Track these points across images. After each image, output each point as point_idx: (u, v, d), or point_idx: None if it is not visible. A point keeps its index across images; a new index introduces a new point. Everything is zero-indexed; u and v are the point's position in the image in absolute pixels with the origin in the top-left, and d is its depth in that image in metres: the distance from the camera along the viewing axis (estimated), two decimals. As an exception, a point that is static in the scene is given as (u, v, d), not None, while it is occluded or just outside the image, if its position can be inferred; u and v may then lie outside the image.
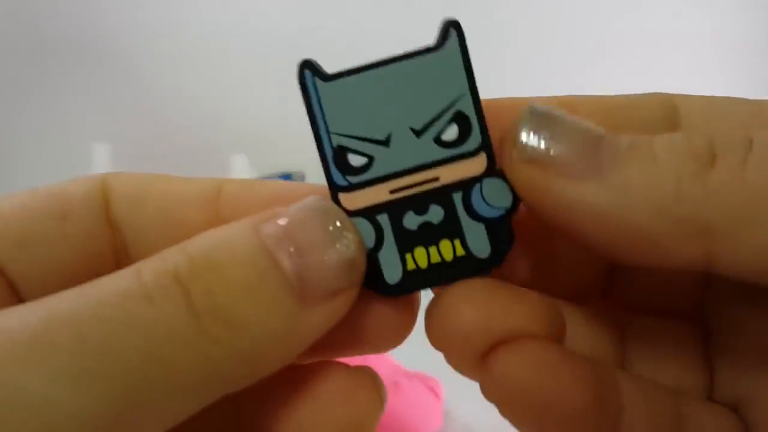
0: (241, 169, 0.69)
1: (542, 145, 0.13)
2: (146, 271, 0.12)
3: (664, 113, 0.16)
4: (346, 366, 0.15)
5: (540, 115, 0.14)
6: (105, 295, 0.11)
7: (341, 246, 0.13)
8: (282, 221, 0.13)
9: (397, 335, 0.15)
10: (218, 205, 0.15)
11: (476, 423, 0.39)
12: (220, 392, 0.12)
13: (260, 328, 0.12)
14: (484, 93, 0.15)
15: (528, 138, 0.13)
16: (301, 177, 0.67)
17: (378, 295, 0.15)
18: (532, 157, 0.13)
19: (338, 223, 0.13)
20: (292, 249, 0.12)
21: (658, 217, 0.12)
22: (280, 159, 0.73)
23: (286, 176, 0.67)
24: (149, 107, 0.83)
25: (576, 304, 0.17)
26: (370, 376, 0.15)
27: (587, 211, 0.13)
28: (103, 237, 0.15)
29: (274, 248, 0.12)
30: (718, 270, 0.12)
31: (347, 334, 0.15)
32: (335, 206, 0.14)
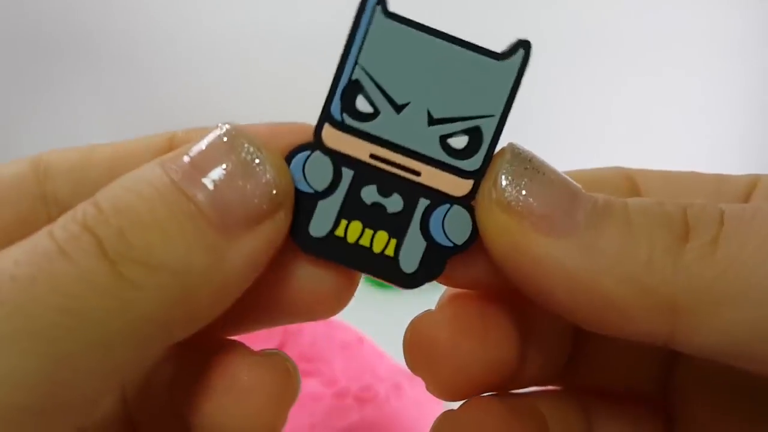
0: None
1: (521, 193, 0.13)
2: (57, 226, 0.11)
3: (626, 188, 0.16)
4: (254, 353, 0.14)
5: (522, 159, 0.13)
6: (19, 255, 0.11)
7: (258, 168, 0.12)
8: (189, 154, 0.12)
9: (335, 301, 0.14)
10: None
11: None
12: (156, 342, 0.12)
13: (181, 265, 0.11)
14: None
15: (508, 183, 0.13)
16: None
17: (312, 256, 0.14)
18: (509, 203, 0.13)
19: (251, 149, 0.12)
20: (203, 180, 0.12)
21: (627, 287, 0.12)
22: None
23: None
24: (149, 107, 0.83)
25: (543, 389, 0.17)
26: (281, 363, 0.14)
27: (556, 271, 0.12)
28: (38, 218, 0.14)
29: (182, 181, 0.12)
30: (679, 345, 0.12)
31: (280, 297, 0.14)
32: (246, 132, 0.13)
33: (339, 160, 0.13)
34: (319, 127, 0.13)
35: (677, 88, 0.85)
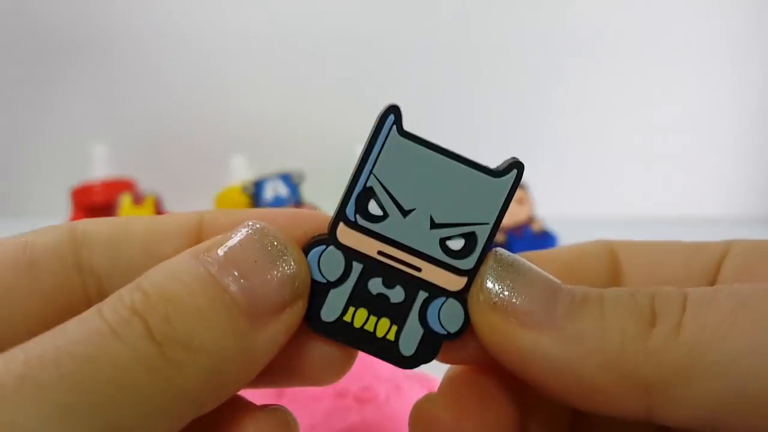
0: (240, 169, 0.69)
1: (505, 294, 0.15)
2: (106, 309, 0.12)
3: (608, 261, 0.18)
4: (260, 409, 0.16)
5: (505, 263, 0.15)
6: (76, 335, 0.12)
7: (282, 263, 0.14)
8: (222, 248, 0.14)
9: (337, 371, 0.17)
10: (200, 237, 0.16)
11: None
12: (190, 415, 0.13)
13: (216, 348, 0.13)
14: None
15: (493, 285, 0.15)
16: (301, 176, 0.67)
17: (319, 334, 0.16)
18: (496, 303, 0.14)
19: (276, 243, 0.14)
20: (235, 272, 0.13)
21: (605, 372, 0.13)
22: (280, 159, 0.73)
23: (286, 176, 0.67)
24: (149, 107, 0.83)
25: None
26: (283, 418, 0.16)
27: (542, 361, 0.14)
28: (73, 286, 0.15)
29: (218, 274, 0.13)
30: (658, 420, 0.13)
31: (291, 365, 0.16)
32: (271, 227, 0.15)
33: (350, 255, 0.15)
34: (334, 225, 0.15)
35: (678, 88, 0.85)
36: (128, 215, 0.16)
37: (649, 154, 0.84)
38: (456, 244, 0.15)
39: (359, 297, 0.15)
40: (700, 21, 0.83)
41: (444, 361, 0.16)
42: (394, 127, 0.15)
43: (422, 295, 0.15)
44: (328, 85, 0.81)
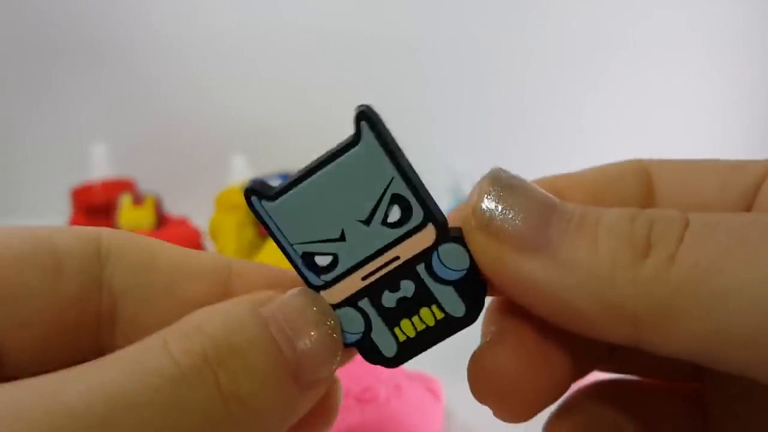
0: (240, 169, 0.69)
1: (498, 215, 0.14)
2: (174, 349, 0.12)
3: (640, 183, 0.17)
4: None
5: (500, 183, 0.14)
6: (152, 379, 0.12)
7: (328, 333, 0.15)
8: (279, 308, 0.14)
9: (323, 424, 0.17)
10: (228, 284, 0.16)
11: (476, 423, 0.38)
12: None
13: (269, 410, 0.13)
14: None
15: (486, 206, 0.14)
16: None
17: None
18: (488, 226, 0.14)
19: (324, 311, 0.15)
20: (290, 335, 0.14)
21: (592, 301, 0.13)
22: (280, 159, 0.73)
23: (286, 176, 0.66)
24: (149, 107, 0.83)
25: (603, 387, 0.18)
26: None
27: (533, 287, 0.14)
28: (91, 299, 0.15)
29: (276, 334, 0.14)
30: (646, 350, 0.13)
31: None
32: (319, 295, 0.15)
33: (352, 301, 0.16)
34: None
35: (678, 89, 0.85)
36: (157, 240, 0.16)
37: (650, 155, 0.84)
38: (395, 215, 0.15)
39: (390, 317, 0.16)
40: (701, 20, 0.83)
41: (492, 294, 0.16)
42: (263, 201, 0.15)
43: (421, 268, 0.16)
44: (329, 86, 0.81)
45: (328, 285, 0.16)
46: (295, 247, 0.15)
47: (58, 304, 0.14)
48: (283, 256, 0.16)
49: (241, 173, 0.68)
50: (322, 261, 0.15)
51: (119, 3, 0.81)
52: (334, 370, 0.15)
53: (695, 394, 0.18)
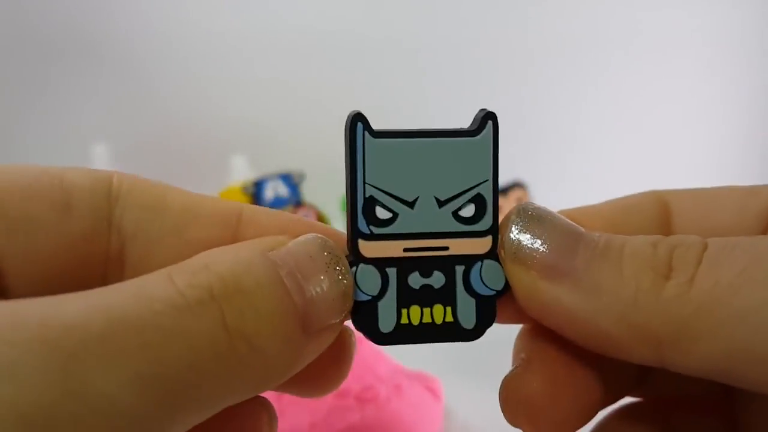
0: (240, 169, 0.69)
1: (526, 245, 0.15)
2: (180, 281, 0.12)
3: (658, 213, 0.17)
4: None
5: (528, 215, 0.15)
6: (156, 304, 0.12)
7: (338, 280, 0.14)
8: (290, 253, 0.14)
9: (333, 382, 0.17)
10: (237, 228, 0.16)
11: (476, 423, 0.38)
12: (231, 403, 0.13)
13: (273, 352, 0.13)
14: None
15: (515, 236, 0.15)
16: (301, 176, 0.67)
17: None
18: (518, 255, 0.15)
19: (335, 259, 0.15)
20: (300, 281, 0.14)
21: (618, 324, 0.14)
22: (280, 159, 0.73)
23: (286, 176, 0.67)
24: (149, 107, 0.83)
25: (630, 408, 0.19)
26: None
27: (561, 312, 0.14)
28: (101, 237, 0.15)
29: (286, 278, 0.14)
30: (670, 369, 0.14)
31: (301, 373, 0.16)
32: (334, 244, 0.15)
33: (381, 264, 0.16)
34: (354, 244, 0.16)
35: (680, 89, 0.85)
36: (167, 184, 0.16)
37: (651, 155, 0.84)
38: (468, 211, 0.16)
39: (406, 297, 0.16)
40: (702, 20, 0.83)
41: (500, 322, 0.17)
42: (366, 133, 0.15)
43: (459, 269, 0.16)
44: (329, 86, 0.81)
45: (371, 237, 0.15)
46: (366, 186, 0.15)
47: (66, 240, 0.14)
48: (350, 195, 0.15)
49: (241, 173, 0.68)
50: (382, 214, 0.15)
51: (119, 3, 0.81)
52: (343, 320, 0.15)
53: (727, 411, 0.18)
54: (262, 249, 0.14)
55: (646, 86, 0.84)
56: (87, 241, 0.15)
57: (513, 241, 0.15)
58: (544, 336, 0.16)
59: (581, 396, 0.16)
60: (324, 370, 0.17)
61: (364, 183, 0.15)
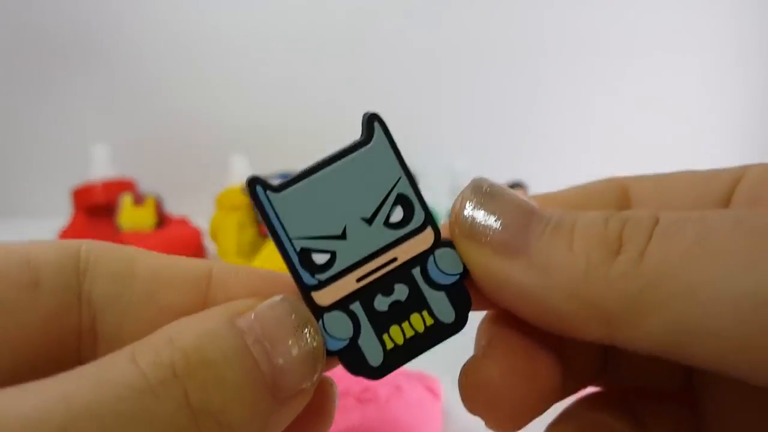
0: (240, 169, 0.69)
1: (480, 222, 0.15)
2: (142, 362, 0.12)
3: (617, 199, 0.17)
4: None
5: (482, 191, 0.15)
6: (117, 389, 0.12)
7: (307, 344, 0.14)
8: (257, 319, 0.14)
9: (319, 430, 0.17)
10: (207, 291, 0.16)
11: (476, 423, 0.38)
12: None
13: (243, 425, 0.13)
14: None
15: (469, 213, 0.15)
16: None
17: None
18: (471, 232, 0.15)
19: (304, 321, 0.14)
20: (268, 348, 0.13)
21: (568, 299, 0.13)
22: (280, 159, 0.73)
23: (286, 176, 0.67)
24: (149, 107, 0.83)
25: (593, 397, 0.18)
26: None
27: (514, 289, 0.14)
28: (72, 312, 0.15)
29: (253, 346, 0.13)
30: (620, 347, 0.13)
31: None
32: (301, 304, 0.15)
33: (343, 305, 0.15)
34: (308, 299, 0.15)
35: (679, 88, 0.85)
36: (136, 249, 0.15)
37: (651, 154, 0.84)
38: (397, 215, 0.15)
39: (381, 323, 0.16)
40: (703, 19, 0.83)
41: (478, 309, 0.16)
42: (267, 192, 0.15)
43: (416, 272, 0.16)
44: (329, 86, 0.81)
45: (321, 285, 0.15)
46: (294, 242, 0.15)
47: (37, 319, 0.14)
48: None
49: (241, 173, 0.68)
50: (320, 258, 0.15)
51: (120, 4, 0.81)
52: (316, 381, 0.14)
53: (690, 399, 0.18)
54: (228, 316, 0.13)
55: (647, 86, 0.84)
56: (58, 318, 0.14)
57: (467, 218, 0.15)
58: (505, 322, 0.16)
59: (540, 382, 0.15)
60: (306, 424, 0.16)
61: (290, 239, 0.15)
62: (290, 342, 0.14)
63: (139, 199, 0.66)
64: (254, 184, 0.15)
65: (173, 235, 0.64)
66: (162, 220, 0.66)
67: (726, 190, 0.16)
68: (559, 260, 0.13)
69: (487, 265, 0.14)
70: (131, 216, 0.64)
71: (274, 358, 0.13)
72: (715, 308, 0.12)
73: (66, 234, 0.65)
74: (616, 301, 0.13)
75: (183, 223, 0.67)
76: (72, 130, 0.82)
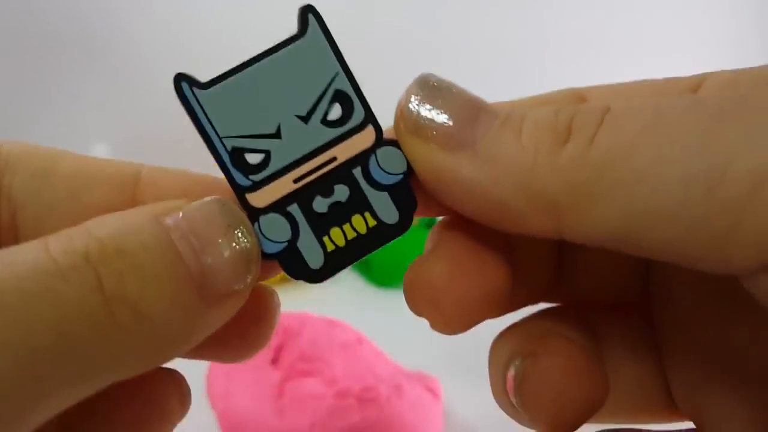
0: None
1: (426, 116, 0.14)
2: (54, 248, 0.12)
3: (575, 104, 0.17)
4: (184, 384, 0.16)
5: (429, 85, 0.14)
6: (23, 269, 0.11)
7: (239, 244, 0.13)
8: (185, 217, 0.13)
9: (254, 345, 0.16)
10: (136, 191, 0.15)
11: (476, 423, 0.39)
12: (120, 376, 0.12)
13: (163, 319, 0.12)
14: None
15: (415, 108, 0.14)
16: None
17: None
18: (417, 127, 0.14)
19: (236, 222, 0.14)
20: (195, 245, 0.13)
21: (516, 190, 0.13)
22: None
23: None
24: (150, 107, 0.83)
25: (553, 311, 0.18)
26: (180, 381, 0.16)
27: (460, 183, 0.13)
28: None
29: (179, 242, 0.13)
30: (569, 238, 0.13)
31: (215, 337, 0.15)
32: (234, 205, 0.14)
33: (280, 206, 0.15)
34: (243, 201, 0.15)
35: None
36: (61, 149, 0.15)
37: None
38: (335, 112, 0.15)
39: (320, 224, 0.15)
40: (702, 20, 0.83)
41: (425, 215, 0.16)
42: (194, 89, 0.14)
43: (358, 172, 0.15)
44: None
45: (256, 186, 0.15)
46: (224, 140, 0.14)
47: None
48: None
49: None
50: (253, 159, 0.15)
51: (120, 3, 0.81)
52: (251, 284, 0.14)
53: (645, 310, 0.18)
54: (154, 213, 0.13)
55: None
56: None
57: (412, 112, 0.14)
58: (454, 226, 0.16)
59: (487, 281, 0.15)
60: (244, 333, 0.16)
61: (220, 138, 0.14)
62: (220, 241, 0.13)
63: (139, 199, 0.66)
64: (180, 80, 0.14)
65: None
66: (162, 220, 0.66)
67: (686, 93, 0.16)
68: (507, 152, 0.13)
69: (433, 161, 0.14)
70: (131, 216, 0.64)
71: (202, 257, 0.13)
72: (665, 191, 0.11)
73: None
74: (564, 190, 0.12)
75: (183, 223, 0.67)
76: (72, 130, 0.82)
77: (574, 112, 0.13)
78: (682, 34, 0.83)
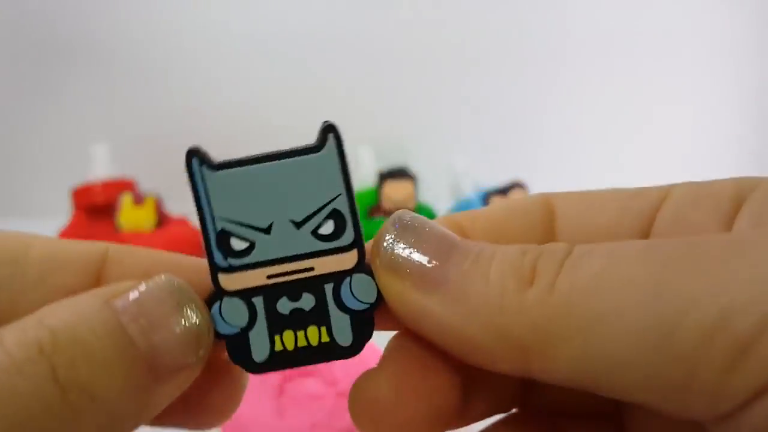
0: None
1: (400, 254, 0.14)
2: (9, 341, 0.12)
3: (542, 216, 0.17)
4: None
5: (404, 223, 0.15)
6: None
7: (189, 323, 0.14)
8: (134, 297, 0.14)
9: (223, 414, 0.17)
10: (101, 271, 0.16)
11: (477, 423, 0.38)
12: None
13: (116, 399, 0.13)
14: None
15: (389, 245, 0.15)
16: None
17: (208, 376, 0.16)
18: (392, 265, 0.14)
19: (187, 301, 0.14)
20: (144, 325, 0.13)
21: (486, 332, 0.13)
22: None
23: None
24: (149, 107, 0.83)
25: (512, 420, 0.18)
26: None
27: (433, 321, 0.14)
28: None
29: (127, 325, 0.13)
30: (539, 380, 0.13)
31: (180, 407, 0.16)
32: (185, 283, 0.14)
33: (246, 295, 0.15)
34: (214, 279, 0.15)
35: (679, 88, 0.85)
36: (32, 234, 0.16)
37: (650, 154, 0.84)
38: (327, 228, 0.15)
39: (277, 323, 0.15)
40: (703, 19, 0.83)
41: (384, 328, 0.16)
42: (203, 168, 0.15)
43: (329, 287, 0.16)
44: (329, 86, 0.81)
45: (231, 270, 0.15)
46: (216, 220, 0.15)
47: None
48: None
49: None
50: (238, 245, 0.15)
51: (120, 3, 0.81)
52: (202, 359, 0.14)
53: (616, 419, 0.18)
54: (104, 297, 0.13)
55: (646, 86, 0.84)
56: None
57: (387, 250, 0.15)
58: (409, 336, 0.16)
59: (433, 402, 0.15)
60: (212, 402, 0.16)
61: (213, 218, 0.15)
62: (171, 320, 0.14)
63: (138, 199, 0.66)
64: (192, 156, 0.15)
65: (173, 234, 0.64)
66: (162, 219, 0.66)
67: (650, 209, 0.16)
68: (476, 291, 0.13)
69: (406, 299, 0.14)
70: (131, 216, 0.64)
71: (151, 336, 0.13)
72: (620, 338, 0.12)
73: (66, 234, 0.65)
74: (529, 331, 0.13)
75: (183, 223, 0.67)
76: (72, 130, 0.82)
77: (539, 254, 0.14)
78: (682, 33, 0.83)
